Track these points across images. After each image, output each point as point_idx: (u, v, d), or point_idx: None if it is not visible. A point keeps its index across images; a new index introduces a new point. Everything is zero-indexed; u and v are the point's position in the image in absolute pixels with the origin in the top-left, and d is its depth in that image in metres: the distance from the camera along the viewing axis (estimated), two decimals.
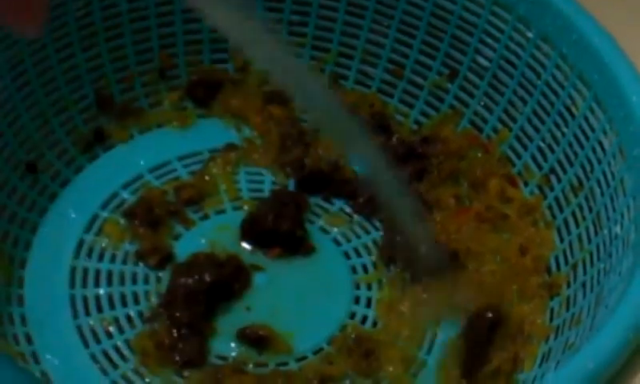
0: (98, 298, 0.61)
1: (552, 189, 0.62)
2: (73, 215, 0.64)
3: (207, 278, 0.60)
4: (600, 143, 0.58)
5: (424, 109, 0.70)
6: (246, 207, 0.66)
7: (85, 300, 0.60)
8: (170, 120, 0.70)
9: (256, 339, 0.59)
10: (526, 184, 0.64)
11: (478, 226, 0.64)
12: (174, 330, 0.58)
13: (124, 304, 0.61)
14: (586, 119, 0.59)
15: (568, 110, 0.61)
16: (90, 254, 0.63)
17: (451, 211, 0.66)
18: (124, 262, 0.63)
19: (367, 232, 0.66)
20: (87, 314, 0.60)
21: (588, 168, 0.59)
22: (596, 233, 0.57)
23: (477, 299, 0.60)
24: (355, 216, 0.67)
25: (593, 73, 0.58)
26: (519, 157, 0.65)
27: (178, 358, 0.58)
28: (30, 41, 0.63)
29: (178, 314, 0.59)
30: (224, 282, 0.61)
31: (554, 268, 0.60)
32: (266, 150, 0.69)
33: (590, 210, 0.58)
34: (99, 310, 0.60)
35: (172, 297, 0.59)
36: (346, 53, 0.71)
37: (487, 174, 0.66)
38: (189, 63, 0.71)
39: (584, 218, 0.59)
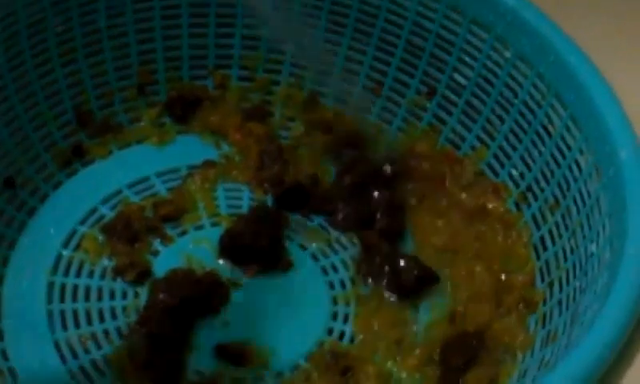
0: (75, 313, 0.61)
1: (529, 206, 0.63)
2: (51, 231, 0.64)
3: (185, 293, 0.60)
4: (577, 162, 0.58)
5: (401, 126, 0.70)
6: (224, 223, 0.66)
7: (62, 315, 0.60)
8: (148, 136, 0.70)
9: (233, 355, 0.59)
10: (503, 201, 0.64)
11: (456, 240, 0.65)
12: (151, 346, 0.58)
13: (102, 319, 0.61)
14: (563, 138, 0.59)
15: (545, 128, 0.61)
16: (68, 270, 0.63)
17: (426, 227, 0.66)
18: (102, 278, 0.63)
19: (345, 248, 0.66)
20: (65, 329, 0.60)
21: (565, 186, 0.59)
22: (572, 251, 0.58)
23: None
24: (333, 232, 0.67)
25: (569, 93, 0.58)
26: (497, 174, 0.65)
27: (154, 375, 0.58)
28: (9, 56, 0.63)
29: (155, 330, 0.59)
30: (202, 297, 0.61)
31: (531, 285, 0.60)
32: (244, 167, 0.70)
33: (567, 228, 0.59)
34: (77, 325, 0.60)
35: (150, 313, 0.59)
36: (324, 69, 0.71)
37: (466, 188, 0.66)
38: (168, 79, 0.71)
39: (560, 236, 0.59)
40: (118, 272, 0.63)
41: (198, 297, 0.61)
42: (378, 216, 0.66)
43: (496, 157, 0.65)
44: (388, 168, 0.68)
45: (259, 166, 0.69)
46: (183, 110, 0.71)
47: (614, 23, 0.65)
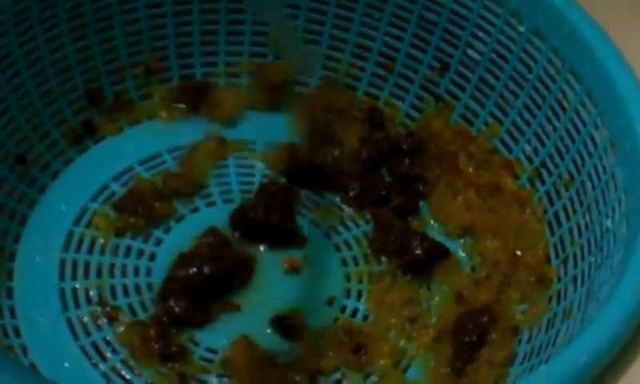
0: (87, 290, 0.60)
1: (543, 182, 0.62)
2: (63, 207, 0.64)
3: (207, 270, 0.60)
4: (591, 137, 0.58)
5: (415, 103, 0.70)
6: (236, 200, 0.66)
7: (74, 292, 0.60)
8: (160, 113, 0.70)
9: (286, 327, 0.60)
10: (517, 177, 0.64)
11: (471, 217, 0.65)
12: (165, 321, 0.58)
13: (114, 296, 0.60)
14: (578, 113, 0.59)
15: (559, 103, 0.61)
16: (79, 247, 0.62)
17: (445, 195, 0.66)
18: (114, 254, 0.62)
19: (357, 225, 0.66)
20: (77, 306, 0.60)
21: (579, 162, 0.59)
22: (587, 227, 0.57)
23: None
24: (346, 209, 0.67)
25: (584, 67, 0.58)
26: (510, 150, 0.65)
27: (165, 351, 0.58)
28: (20, 31, 0.62)
29: (173, 305, 0.59)
30: (223, 276, 0.61)
31: (545, 261, 0.60)
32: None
33: (581, 203, 0.58)
34: (89, 302, 0.60)
35: (169, 286, 0.60)
36: (337, 46, 0.71)
37: (480, 164, 0.66)
38: (179, 66, 0.71)
39: (575, 212, 0.59)
40: (130, 249, 0.62)
41: (219, 275, 0.60)
42: (393, 194, 0.66)
43: (509, 133, 0.65)
44: (404, 144, 0.68)
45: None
46: (193, 98, 0.70)
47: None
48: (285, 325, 0.60)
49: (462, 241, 0.65)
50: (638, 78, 0.56)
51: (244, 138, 0.70)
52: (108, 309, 0.60)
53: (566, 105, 0.60)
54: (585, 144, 0.58)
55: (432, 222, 0.66)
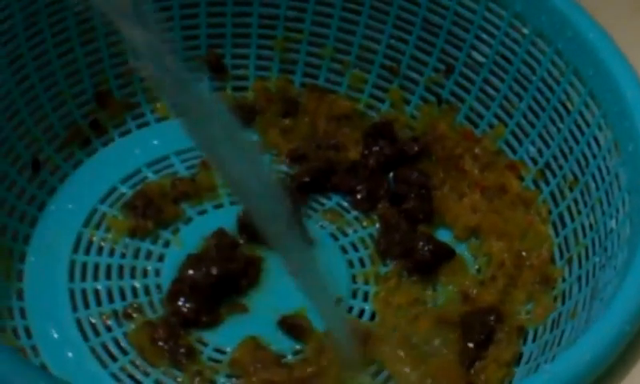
0: (97, 291, 0.61)
1: (547, 183, 0.63)
2: (72, 209, 0.65)
3: (216, 271, 0.60)
4: (595, 138, 0.58)
5: (420, 105, 0.70)
6: None
7: (84, 294, 0.61)
8: (168, 115, 0.70)
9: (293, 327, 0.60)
10: (521, 179, 0.65)
11: (476, 218, 0.65)
12: (173, 322, 0.59)
13: (123, 298, 0.61)
14: (581, 114, 0.59)
15: (563, 105, 0.61)
16: (88, 248, 0.63)
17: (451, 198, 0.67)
18: (123, 256, 0.63)
19: (364, 226, 0.66)
20: (86, 307, 0.60)
21: (583, 163, 0.59)
22: (591, 227, 0.58)
23: None
24: (352, 211, 0.67)
25: (588, 69, 0.59)
26: (514, 152, 0.65)
27: (173, 352, 0.58)
28: (29, 34, 0.63)
29: (182, 306, 0.59)
30: (231, 277, 0.61)
31: (549, 262, 0.61)
32: (263, 144, 0.70)
33: (586, 204, 0.59)
34: (98, 303, 0.61)
35: (178, 287, 0.60)
36: (342, 48, 0.71)
37: (485, 166, 0.66)
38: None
39: (579, 213, 0.59)
40: (138, 250, 0.63)
41: (227, 276, 0.61)
42: (406, 197, 0.66)
43: (514, 134, 0.65)
44: (413, 148, 0.68)
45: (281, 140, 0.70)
46: None
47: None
48: (292, 326, 0.60)
49: (468, 242, 0.65)
50: None
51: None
52: (117, 310, 0.60)
53: (569, 106, 0.60)
54: (589, 145, 0.59)
55: (438, 223, 0.66)
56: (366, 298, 0.63)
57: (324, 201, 0.68)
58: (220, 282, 0.60)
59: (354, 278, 0.64)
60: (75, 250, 0.63)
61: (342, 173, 0.68)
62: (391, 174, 0.69)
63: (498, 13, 0.64)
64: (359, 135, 0.70)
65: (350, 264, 0.64)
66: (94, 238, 0.64)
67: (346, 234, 0.66)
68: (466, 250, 0.65)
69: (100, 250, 0.63)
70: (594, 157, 0.58)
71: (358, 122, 0.71)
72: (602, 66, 0.57)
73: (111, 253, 0.63)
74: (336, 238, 0.66)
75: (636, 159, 0.53)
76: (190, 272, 0.60)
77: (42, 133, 0.66)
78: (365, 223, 0.67)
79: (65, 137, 0.67)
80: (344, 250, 0.65)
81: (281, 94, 0.72)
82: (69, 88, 0.67)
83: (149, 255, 0.63)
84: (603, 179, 0.57)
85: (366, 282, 0.64)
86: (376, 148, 0.69)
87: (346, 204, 0.68)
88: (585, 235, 0.58)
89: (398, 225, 0.65)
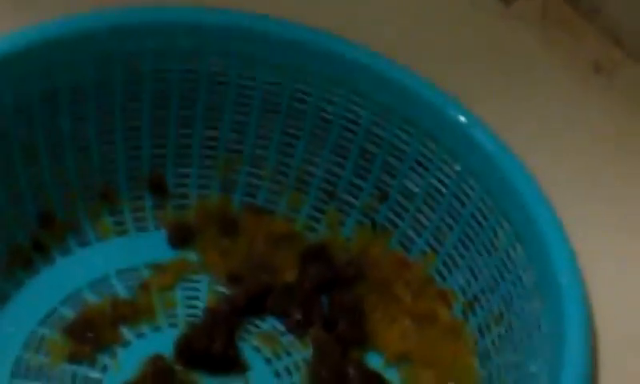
0: None
1: (475, 315, 0.65)
2: (12, 332, 0.65)
3: None
4: (520, 279, 0.60)
5: (355, 228, 0.72)
6: (181, 325, 0.68)
7: None
8: (110, 233, 0.72)
9: None
10: (451, 308, 0.66)
11: (407, 346, 0.67)
12: None
13: None
14: (508, 254, 0.62)
15: (491, 242, 0.63)
16: (27, 373, 0.64)
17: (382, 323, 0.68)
18: (61, 381, 0.64)
19: (298, 350, 0.68)
20: None
21: (508, 300, 0.61)
22: (516, 366, 0.60)
23: None
24: (288, 335, 0.69)
25: (514, 211, 0.61)
26: (445, 280, 0.67)
27: None
28: None
29: None
30: None
31: None
32: (204, 265, 0.71)
33: (510, 341, 0.61)
34: None
35: None
36: (282, 170, 0.73)
37: (416, 292, 0.68)
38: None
39: (504, 350, 0.61)
40: (76, 375, 0.64)
41: None
42: (339, 321, 0.68)
43: (445, 264, 0.67)
44: (347, 272, 0.70)
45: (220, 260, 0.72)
46: None
47: (560, 142, 0.67)
48: None
49: (398, 367, 0.67)
50: (565, 227, 0.59)
51: (188, 259, 0.72)
52: None
53: (497, 244, 0.63)
54: (514, 284, 0.61)
55: (371, 347, 0.68)
56: None
57: (259, 323, 0.69)
58: None
59: None
60: (14, 374, 0.63)
61: (278, 295, 0.70)
62: (325, 297, 0.70)
63: (431, 147, 0.66)
64: (295, 257, 0.72)
65: None
66: (32, 363, 0.64)
67: (280, 358, 0.67)
68: (396, 374, 0.66)
69: (39, 375, 0.64)
70: (519, 296, 0.60)
71: (295, 244, 0.72)
72: (527, 212, 0.60)
73: (48, 379, 0.64)
74: (270, 362, 0.67)
75: (556, 309, 0.55)
76: None
77: None
78: (299, 347, 0.68)
79: (6, 259, 0.68)
80: (277, 375, 0.66)
81: (221, 214, 0.73)
82: (11, 209, 0.68)
83: (86, 382, 0.64)
84: (526, 320, 0.59)
85: None
86: (312, 271, 0.70)
87: (281, 327, 0.69)
88: (508, 373, 0.60)
89: (330, 350, 0.66)
